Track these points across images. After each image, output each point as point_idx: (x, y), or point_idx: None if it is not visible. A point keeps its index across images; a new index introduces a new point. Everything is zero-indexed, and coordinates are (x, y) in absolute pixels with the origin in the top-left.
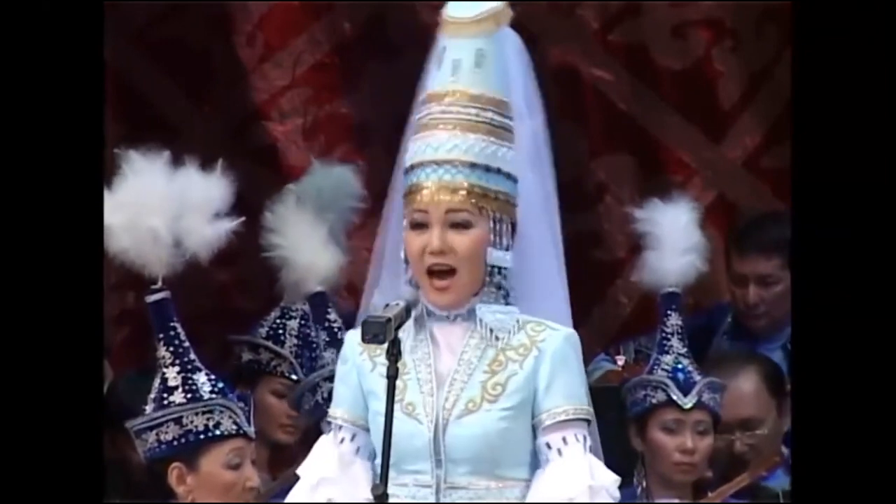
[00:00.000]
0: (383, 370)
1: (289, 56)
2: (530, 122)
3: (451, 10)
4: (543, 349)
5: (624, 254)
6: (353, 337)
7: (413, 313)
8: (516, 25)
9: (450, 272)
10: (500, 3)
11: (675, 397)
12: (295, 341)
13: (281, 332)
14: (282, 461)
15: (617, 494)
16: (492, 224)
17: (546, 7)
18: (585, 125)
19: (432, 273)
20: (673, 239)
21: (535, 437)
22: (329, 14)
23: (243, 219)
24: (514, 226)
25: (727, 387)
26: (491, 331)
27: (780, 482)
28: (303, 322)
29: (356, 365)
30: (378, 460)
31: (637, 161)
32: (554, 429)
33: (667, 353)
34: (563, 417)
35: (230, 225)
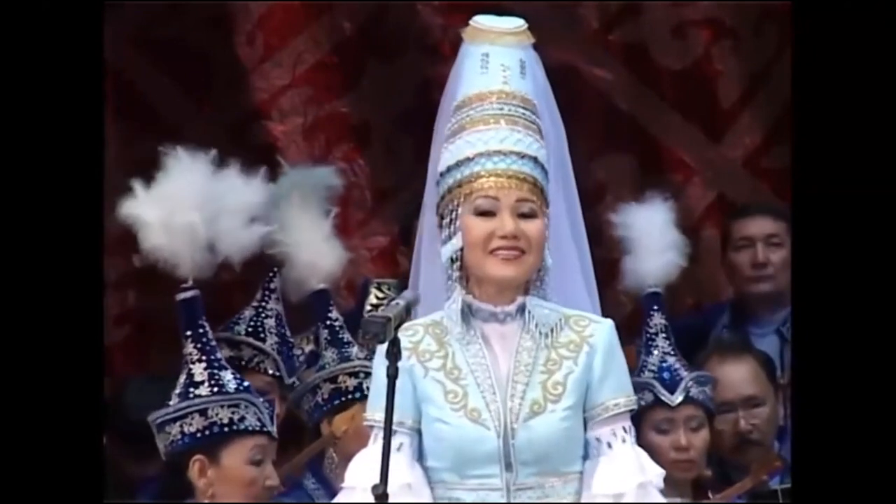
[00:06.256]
0: (437, 375)
1: (289, 56)
2: (554, 134)
3: (485, 20)
4: (594, 344)
5: None
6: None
7: (413, 312)
8: None
9: (520, 253)
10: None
11: (662, 397)
12: (276, 339)
13: (260, 329)
14: None
15: (661, 485)
16: (545, 220)
17: (546, 7)
18: (585, 125)
19: (497, 252)
20: (650, 240)
21: (585, 430)
22: (329, 14)
23: (277, 225)
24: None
25: (717, 379)
26: (536, 325)
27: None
28: (278, 321)
29: (408, 370)
30: (428, 463)
31: (637, 161)
32: (604, 423)
33: (652, 353)
34: (614, 411)
35: (265, 230)
